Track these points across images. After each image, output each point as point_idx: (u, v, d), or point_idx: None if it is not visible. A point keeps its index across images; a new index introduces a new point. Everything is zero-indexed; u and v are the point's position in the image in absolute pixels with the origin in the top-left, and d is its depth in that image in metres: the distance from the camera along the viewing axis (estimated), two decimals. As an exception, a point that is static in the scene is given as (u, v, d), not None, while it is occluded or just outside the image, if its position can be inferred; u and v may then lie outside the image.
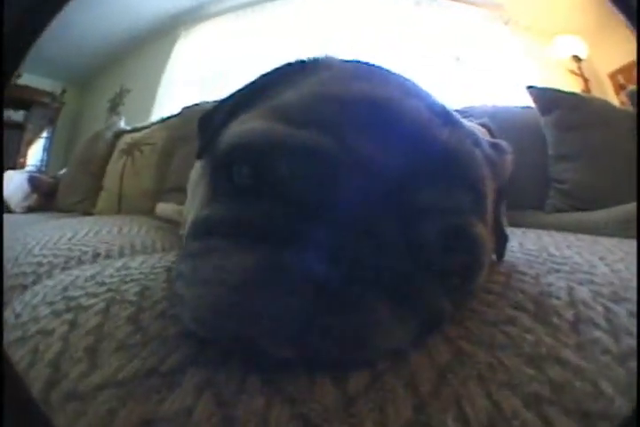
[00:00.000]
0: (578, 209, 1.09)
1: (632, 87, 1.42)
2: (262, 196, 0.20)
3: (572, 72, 1.64)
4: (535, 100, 1.29)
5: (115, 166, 1.47)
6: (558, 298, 0.27)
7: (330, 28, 1.90)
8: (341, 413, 0.17)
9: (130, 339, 0.21)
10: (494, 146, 0.30)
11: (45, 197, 1.85)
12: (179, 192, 1.12)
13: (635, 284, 0.30)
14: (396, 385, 0.18)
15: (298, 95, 0.23)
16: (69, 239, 0.60)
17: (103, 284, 0.29)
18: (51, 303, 0.28)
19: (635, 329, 0.23)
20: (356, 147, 0.20)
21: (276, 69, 0.30)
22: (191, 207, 0.29)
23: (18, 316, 0.29)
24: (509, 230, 0.65)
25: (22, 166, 2.20)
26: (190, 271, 0.20)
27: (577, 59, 1.63)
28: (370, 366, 0.19)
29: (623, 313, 0.25)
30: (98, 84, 2.44)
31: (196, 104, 1.40)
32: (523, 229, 0.66)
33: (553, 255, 0.39)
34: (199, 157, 0.30)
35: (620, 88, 1.52)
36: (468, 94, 1.64)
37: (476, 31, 1.83)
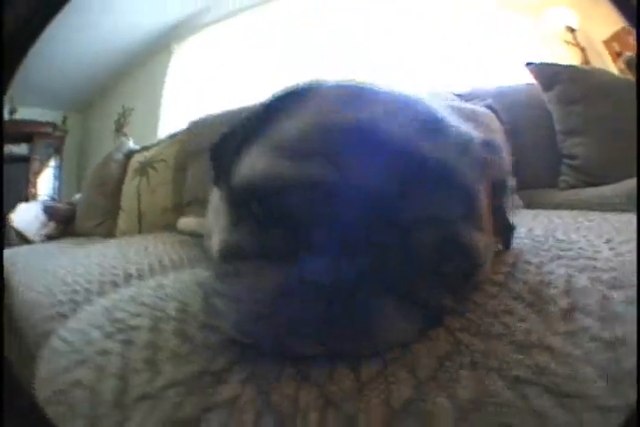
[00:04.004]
0: (590, 184, 1.10)
1: (629, 54, 1.44)
2: (275, 224, 0.24)
3: (568, 42, 1.65)
4: (535, 77, 1.31)
5: (130, 186, 1.53)
6: (556, 287, 0.29)
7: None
8: (355, 394, 0.21)
9: (181, 349, 0.25)
10: (487, 144, 0.31)
11: (63, 223, 1.93)
12: (197, 205, 1.18)
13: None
14: (401, 371, 0.22)
15: (292, 128, 0.26)
16: (99, 264, 0.65)
17: (143, 304, 0.33)
18: (100, 327, 0.32)
19: (629, 315, 0.25)
20: (347, 173, 0.23)
21: (271, 101, 0.32)
22: (215, 229, 0.32)
23: (70, 342, 0.33)
24: (523, 213, 0.67)
25: (34, 196, 2.25)
26: (227, 291, 0.24)
27: (570, 29, 1.64)
28: (379, 356, 0.23)
29: (620, 299, 0.26)
30: (99, 107, 2.50)
31: (202, 118, 1.45)
32: (535, 212, 0.68)
33: (560, 240, 0.41)
34: (215, 183, 0.34)
35: (616, 55, 1.53)
36: (472, 72, 1.71)
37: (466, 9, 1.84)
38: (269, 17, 2.14)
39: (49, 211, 1.91)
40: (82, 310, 0.45)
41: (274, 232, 0.24)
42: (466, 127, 0.30)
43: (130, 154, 1.69)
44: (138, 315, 0.31)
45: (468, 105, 1.24)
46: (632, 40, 1.39)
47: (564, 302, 0.26)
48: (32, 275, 0.78)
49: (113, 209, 1.59)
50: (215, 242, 0.29)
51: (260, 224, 0.25)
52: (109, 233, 1.55)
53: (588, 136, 1.17)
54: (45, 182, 2.33)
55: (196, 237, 0.86)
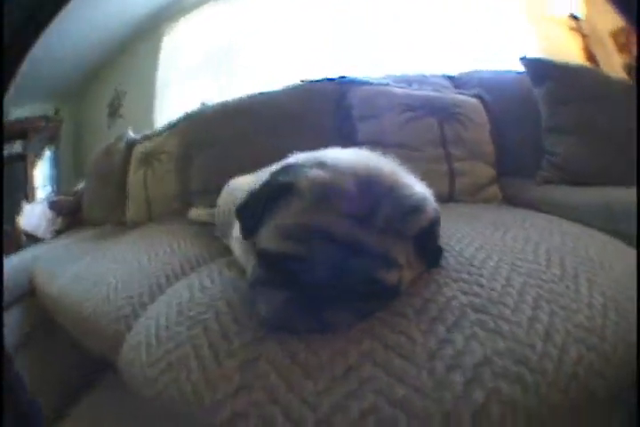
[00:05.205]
0: (567, 181, 1.27)
1: (631, 61, 1.51)
2: (280, 270, 0.48)
3: (572, 28, 1.74)
4: (528, 72, 1.45)
5: (136, 176, 1.79)
6: (437, 303, 0.50)
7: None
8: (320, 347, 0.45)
9: (238, 328, 0.50)
10: (413, 210, 0.50)
11: (70, 216, 2.14)
12: (203, 195, 1.47)
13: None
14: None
15: (285, 222, 0.48)
16: (140, 270, 0.90)
17: (202, 304, 0.58)
18: (178, 323, 0.57)
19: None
20: (315, 253, 0.45)
21: (273, 182, 0.53)
22: (247, 263, 0.57)
23: (159, 336, 0.56)
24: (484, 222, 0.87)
25: (33, 189, 2.34)
26: (262, 294, 0.49)
27: (574, 17, 1.73)
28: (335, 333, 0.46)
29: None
30: (90, 94, 2.58)
31: (198, 109, 1.74)
32: (493, 224, 0.84)
33: (473, 265, 0.58)
34: (245, 238, 0.55)
35: (622, 47, 1.58)
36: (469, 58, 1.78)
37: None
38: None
39: (55, 207, 2.13)
40: (146, 312, 0.70)
41: (280, 273, 0.48)
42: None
43: (131, 143, 1.94)
44: (203, 312, 0.56)
45: (450, 94, 1.44)
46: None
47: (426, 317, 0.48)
48: (74, 286, 1.01)
49: (120, 198, 1.86)
50: (249, 271, 0.54)
51: (270, 267, 0.49)
52: (119, 221, 1.83)
53: (571, 137, 1.32)
54: (42, 173, 2.40)
55: (207, 226, 1.15)
